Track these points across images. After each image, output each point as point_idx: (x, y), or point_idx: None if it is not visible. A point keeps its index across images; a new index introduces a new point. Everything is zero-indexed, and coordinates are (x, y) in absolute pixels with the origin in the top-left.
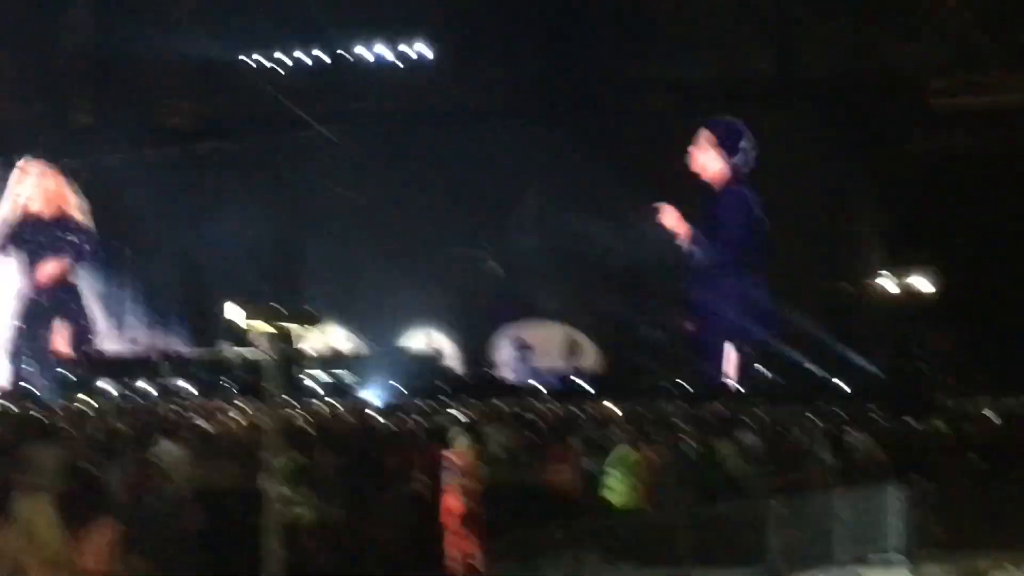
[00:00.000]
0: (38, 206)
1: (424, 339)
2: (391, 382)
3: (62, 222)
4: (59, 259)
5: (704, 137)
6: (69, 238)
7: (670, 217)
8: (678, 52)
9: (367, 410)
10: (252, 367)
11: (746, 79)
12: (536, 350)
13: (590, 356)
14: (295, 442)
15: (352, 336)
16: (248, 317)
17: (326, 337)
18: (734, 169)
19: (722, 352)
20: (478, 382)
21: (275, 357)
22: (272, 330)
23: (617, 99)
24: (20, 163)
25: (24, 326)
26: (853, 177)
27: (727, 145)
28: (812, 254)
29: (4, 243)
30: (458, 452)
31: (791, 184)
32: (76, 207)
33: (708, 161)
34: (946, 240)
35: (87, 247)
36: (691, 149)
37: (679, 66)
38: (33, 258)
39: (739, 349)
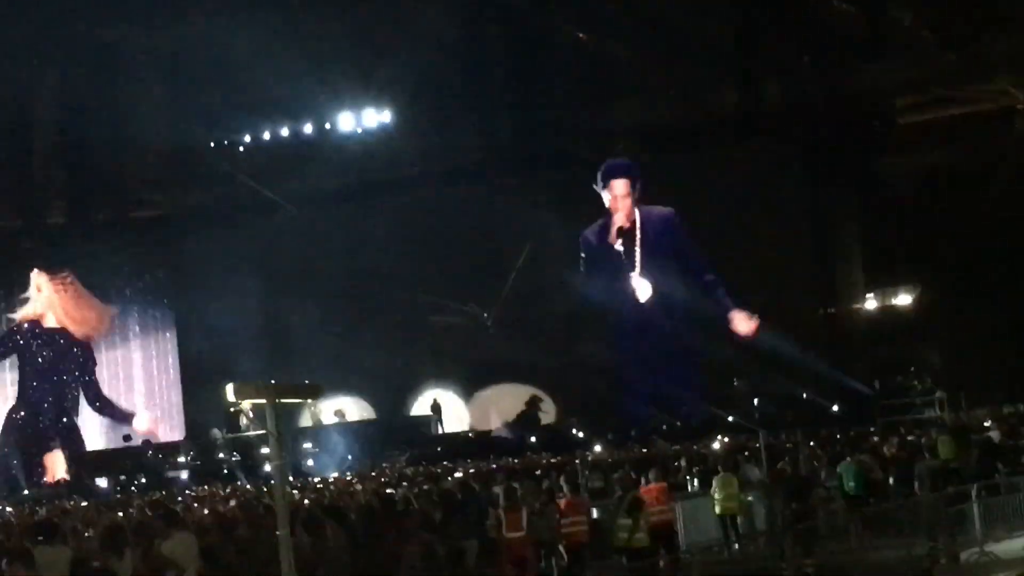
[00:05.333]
0: (47, 321)
1: (427, 401)
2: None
3: (66, 338)
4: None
5: (620, 183)
6: (71, 353)
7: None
8: (642, 98)
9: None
10: (244, 449)
11: (713, 117)
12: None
13: (554, 411)
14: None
15: (357, 403)
16: (250, 396)
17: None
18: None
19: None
20: (475, 441)
21: (273, 435)
22: (275, 406)
23: (585, 149)
24: (33, 274)
25: (17, 445)
26: (828, 202)
27: (623, 171)
28: (795, 282)
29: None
30: (505, 508)
31: (768, 216)
32: (86, 319)
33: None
34: (925, 256)
35: (87, 363)
36: (615, 199)
37: (645, 112)
38: (31, 366)
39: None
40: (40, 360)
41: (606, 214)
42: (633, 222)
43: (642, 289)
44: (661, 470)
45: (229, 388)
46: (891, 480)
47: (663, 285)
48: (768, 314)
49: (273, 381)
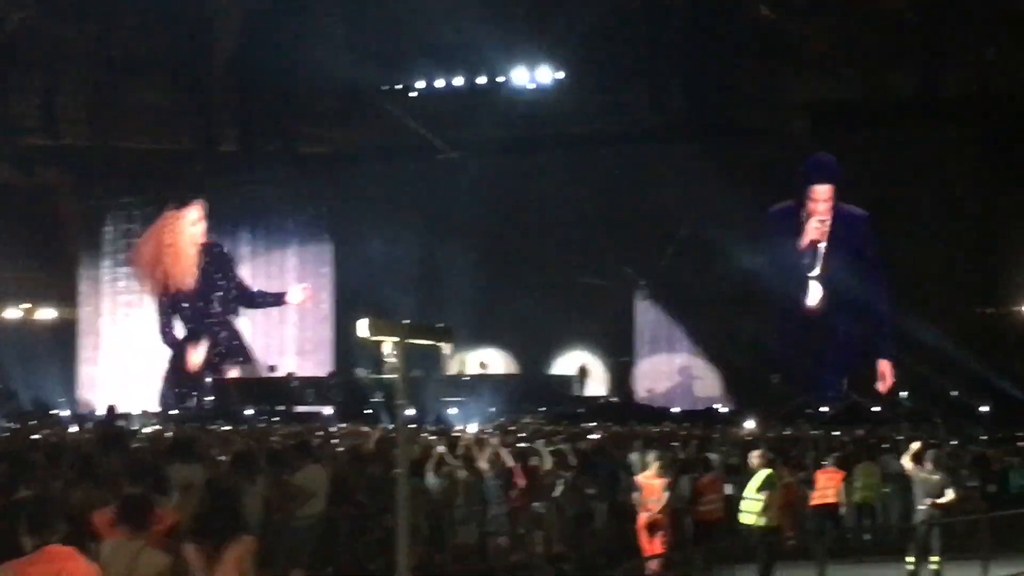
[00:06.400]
0: (190, 268)
1: (575, 362)
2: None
3: (216, 278)
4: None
5: (824, 188)
6: (222, 294)
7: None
8: (819, 74)
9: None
10: (388, 389)
11: (889, 98)
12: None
13: (712, 383)
14: None
15: (502, 355)
16: (382, 333)
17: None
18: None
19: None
20: (616, 405)
21: (402, 374)
22: (402, 345)
23: (758, 121)
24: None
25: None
26: (999, 197)
27: (830, 176)
28: (956, 276)
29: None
30: (645, 477)
31: (936, 205)
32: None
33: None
34: None
35: (226, 264)
36: (814, 202)
37: (821, 88)
38: (195, 327)
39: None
40: (194, 314)
41: (799, 206)
42: (826, 230)
43: (815, 286)
44: (840, 458)
45: (361, 324)
46: None
47: (835, 282)
48: (925, 307)
49: (407, 321)
